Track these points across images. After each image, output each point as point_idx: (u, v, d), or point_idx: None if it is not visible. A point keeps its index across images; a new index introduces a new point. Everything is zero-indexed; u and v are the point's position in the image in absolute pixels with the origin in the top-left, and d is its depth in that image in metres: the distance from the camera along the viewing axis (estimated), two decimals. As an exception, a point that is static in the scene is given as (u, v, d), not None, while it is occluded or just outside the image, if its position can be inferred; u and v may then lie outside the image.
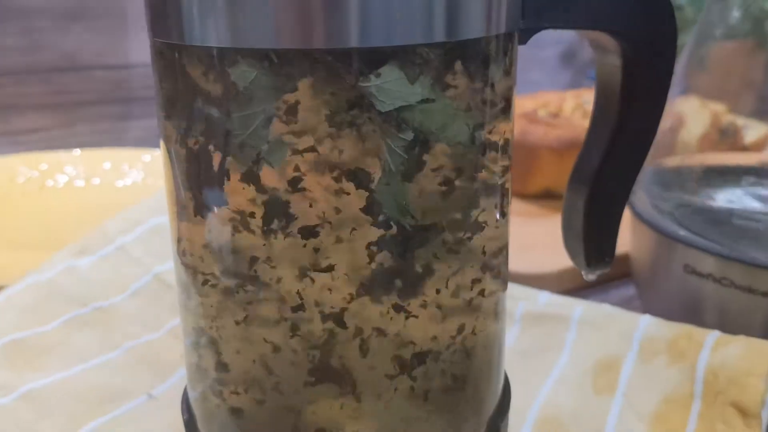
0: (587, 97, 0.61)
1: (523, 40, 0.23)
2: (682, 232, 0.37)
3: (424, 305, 0.21)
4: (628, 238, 0.45)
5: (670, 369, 0.31)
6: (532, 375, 0.32)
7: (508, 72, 0.22)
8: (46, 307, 0.35)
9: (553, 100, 0.61)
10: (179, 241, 0.23)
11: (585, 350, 0.33)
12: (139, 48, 0.69)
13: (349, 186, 0.19)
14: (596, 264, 0.27)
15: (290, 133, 0.19)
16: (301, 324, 0.21)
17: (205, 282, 0.22)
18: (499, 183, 0.22)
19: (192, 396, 0.25)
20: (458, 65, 0.20)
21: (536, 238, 0.48)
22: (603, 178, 0.26)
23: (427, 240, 0.21)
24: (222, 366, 0.23)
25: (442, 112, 0.20)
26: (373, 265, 0.20)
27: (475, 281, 0.22)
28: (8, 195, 0.56)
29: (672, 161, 0.46)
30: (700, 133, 0.53)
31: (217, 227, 0.21)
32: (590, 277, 0.28)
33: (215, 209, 0.21)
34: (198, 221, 0.21)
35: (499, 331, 0.24)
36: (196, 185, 0.21)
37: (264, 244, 0.20)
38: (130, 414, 0.31)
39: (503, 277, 0.24)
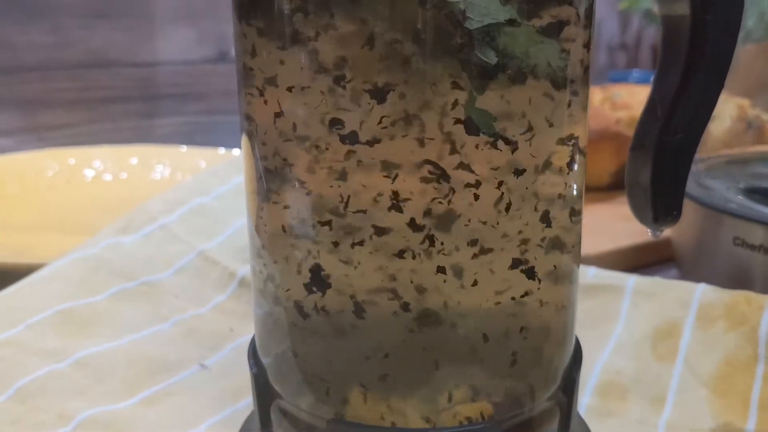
0: (615, 90, 0.61)
1: (599, -15, 0.23)
2: (731, 205, 0.37)
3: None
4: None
5: (730, 333, 0.31)
6: (590, 343, 0.32)
7: (590, 13, 0.22)
8: (93, 279, 0.35)
9: (581, 93, 0.61)
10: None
11: (642, 318, 0.33)
12: (165, 46, 0.69)
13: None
14: (664, 219, 0.27)
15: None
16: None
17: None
18: (572, 124, 0.22)
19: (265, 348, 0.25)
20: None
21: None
22: (670, 130, 0.26)
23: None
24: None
25: (527, 38, 0.20)
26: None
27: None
28: (36, 187, 0.56)
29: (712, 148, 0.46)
30: (728, 126, 0.53)
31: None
32: (657, 234, 0.28)
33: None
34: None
35: (577, 275, 0.24)
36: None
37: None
38: (185, 383, 0.31)
39: (579, 216, 0.24)
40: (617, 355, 0.31)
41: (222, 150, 0.63)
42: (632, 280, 0.35)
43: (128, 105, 0.70)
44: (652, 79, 0.27)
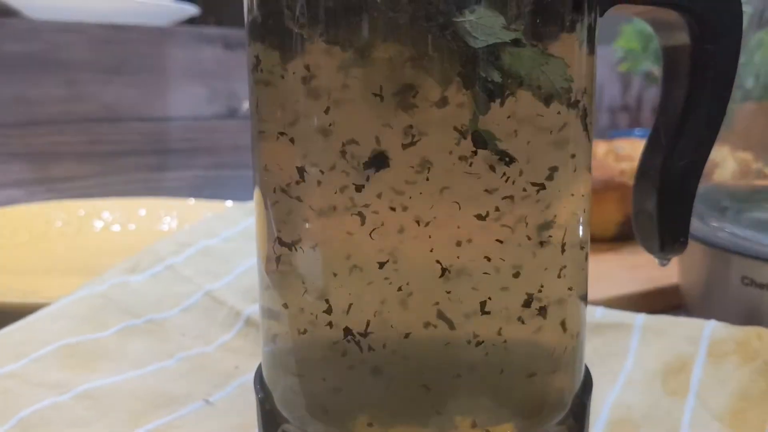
0: (618, 143, 0.62)
1: (601, 12, 0.23)
2: (739, 244, 0.37)
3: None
4: (674, 267, 0.44)
5: (743, 369, 0.31)
6: (599, 379, 0.31)
7: (592, 39, 0.23)
8: (99, 316, 0.35)
9: (585, 147, 0.62)
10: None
11: (651, 354, 0.33)
12: (176, 102, 0.71)
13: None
14: (671, 247, 0.27)
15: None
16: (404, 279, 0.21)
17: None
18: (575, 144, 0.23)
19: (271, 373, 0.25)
20: (549, 15, 0.21)
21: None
22: (675, 157, 0.26)
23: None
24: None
25: (531, 58, 0.20)
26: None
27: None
28: (45, 237, 0.57)
29: (716, 183, 0.46)
30: (729, 178, 0.54)
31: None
32: (664, 263, 0.28)
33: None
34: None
35: (585, 297, 0.24)
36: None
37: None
38: (189, 418, 0.30)
39: (586, 244, 0.24)
40: (628, 391, 0.31)
41: (230, 203, 0.64)
42: (641, 318, 0.35)
43: (138, 158, 0.71)
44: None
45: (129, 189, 0.69)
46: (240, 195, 0.65)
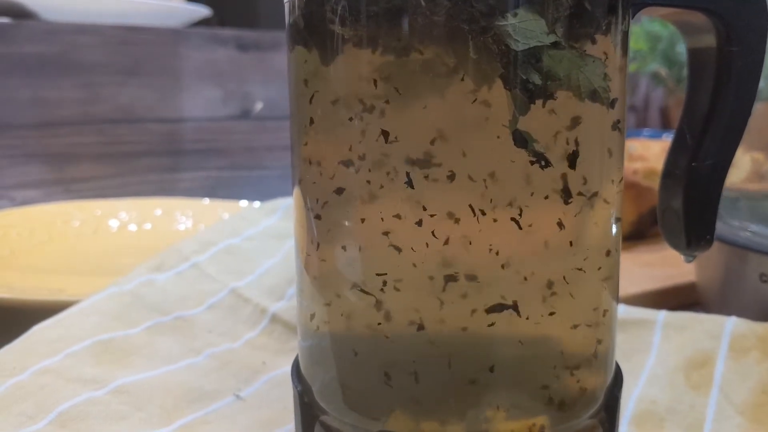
0: (630, 143, 0.62)
1: (633, 14, 0.24)
2: (756, 241, 0.37)
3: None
4: (690, 265, 0.45)
5: (764, 363, 0.31)
6: (623, 375, 0.32)
7: (625, 40, 0.23)
8: (128, 313, 0.35)
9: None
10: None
11: (674, 350, 0.33)
12: (190, 103, 0.71)
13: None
14: (697, 243, 0.27)
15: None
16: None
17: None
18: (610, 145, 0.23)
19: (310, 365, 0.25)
20: (586, 17, 0.21)
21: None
22: (700, 157, 0.27)
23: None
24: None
25: (570, 60, 0.21)
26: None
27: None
28: (63, 236, 0.57)
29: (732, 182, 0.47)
30: (743, 177, 0.54)
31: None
32: (690, 259, 0.28)
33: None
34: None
35: (617, 294, 0.25)
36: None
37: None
38: (220, 412, 0.31)
39: (619, 239, 0.25)
40: (652, 386, 0.32)
41: (244, 203, 0.64)
42: (662, 314, 0.36)
43: (153, 159, 0.71)
44: (681, 109, 0.28)
45: (145, 189, 0.69)
46: (253, 195, 0.66)
